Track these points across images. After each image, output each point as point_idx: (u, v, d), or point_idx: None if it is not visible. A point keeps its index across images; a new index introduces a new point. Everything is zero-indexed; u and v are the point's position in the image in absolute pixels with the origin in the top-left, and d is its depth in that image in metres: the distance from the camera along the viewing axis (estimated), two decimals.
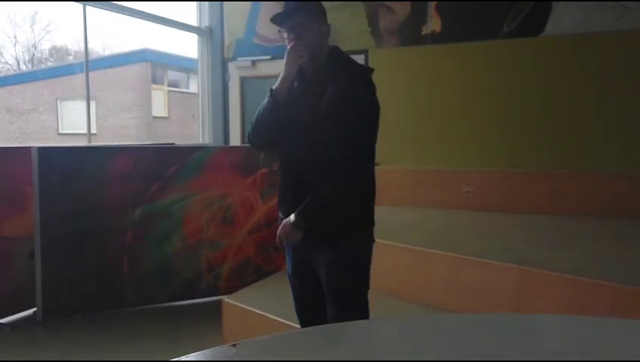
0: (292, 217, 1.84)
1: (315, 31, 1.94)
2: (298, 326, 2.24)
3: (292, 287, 2.09)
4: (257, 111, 1.94)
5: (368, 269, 2.01)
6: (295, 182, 1.93)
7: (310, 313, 2.06)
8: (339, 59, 1.99)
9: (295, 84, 1.96)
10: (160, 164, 3.76)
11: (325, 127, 1.83)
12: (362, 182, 1.94)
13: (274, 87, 1.91)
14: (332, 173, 1.84)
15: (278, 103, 1.89)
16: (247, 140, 2.05)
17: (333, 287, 1.95)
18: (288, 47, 1.91)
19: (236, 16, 5.81)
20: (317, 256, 1.95)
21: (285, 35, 1.96)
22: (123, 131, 15.18)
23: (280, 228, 1.89)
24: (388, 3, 5.13)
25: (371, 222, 2.01)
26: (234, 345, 1.05)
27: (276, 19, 2.00)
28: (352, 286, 1.98)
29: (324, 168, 1.85)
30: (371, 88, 1.93)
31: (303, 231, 1.85)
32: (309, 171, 1.89)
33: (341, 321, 1.73)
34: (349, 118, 1.83)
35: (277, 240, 1.91)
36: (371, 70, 2.01)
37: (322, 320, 1.96)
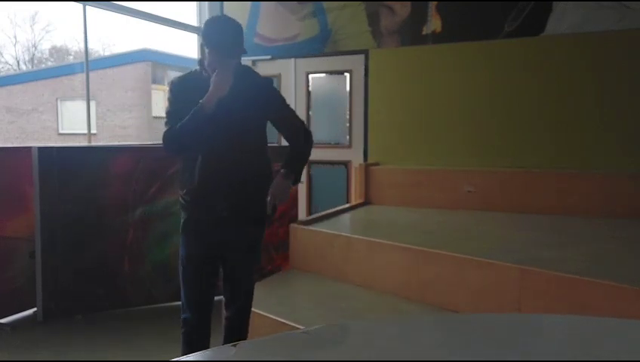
0: (282, 172, 2.21)
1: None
2: (298, 326, 2.24)
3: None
4: (180, 126, 2.10)
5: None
6: (228, 179, 2.21)
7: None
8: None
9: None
10: (160, 164, 3.76)
11: (245, 126, 2.18)
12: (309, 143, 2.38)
13: (203, 101, 2.08)
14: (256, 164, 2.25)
15: (199, 118, 2.08)
16: (165, 147, 2.21)
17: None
18: (220, 68, 2.09)
19: (236, 16, 5.73)
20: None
21: (215, 58, 2.13)
22: (123, 131, 15.19)
23: (274, 188, 2.19)
24: (388, 3, 5.13)
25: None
26: (234, 345, 1.05)
27: (225, 47, 2.18)
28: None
29: (251, 161, 2.23)
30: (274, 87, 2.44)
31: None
32: (239, 167, 2.20)
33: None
34: (286, 110, 2.33)
35: (270, 201, 2.18)
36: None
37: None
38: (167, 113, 2.19)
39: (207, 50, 2.14)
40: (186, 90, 2.21)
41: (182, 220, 2.47)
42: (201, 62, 2.22)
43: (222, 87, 2.09)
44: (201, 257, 2.39)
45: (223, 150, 2.17)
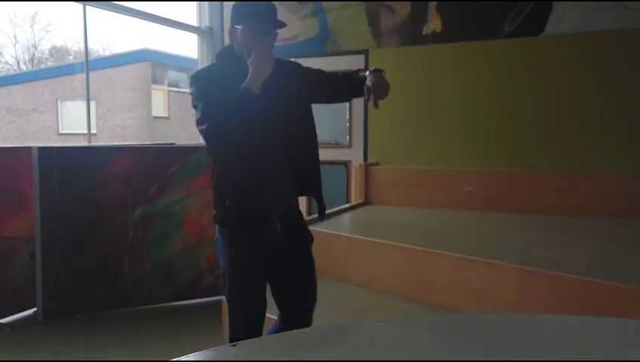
0: (370, 71, 1.96)
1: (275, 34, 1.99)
2: None
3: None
4: (226, 115, 1.80)
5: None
6: (269, 178, 1.95)
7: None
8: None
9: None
10: (160, 164, 3.76)
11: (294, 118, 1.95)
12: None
13: (246, 84, 1.80)
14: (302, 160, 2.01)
15: (247, 104, 1.80)
16: (212, 142, 1.91)
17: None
18: (258, 45, 1.83)
19: None
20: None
21: (251, 33, 1.88)
22: (123, 131, 15.19)
23: (373, 81, 1.91)
24: (388, 3, 5.13)
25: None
26: (234, 345, 1.05)
27: (263, 19, 1.93)
28: None
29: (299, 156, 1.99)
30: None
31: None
32: (282, 162, 1.96)
33: None
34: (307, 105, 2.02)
35: (370, 97, 1.92)
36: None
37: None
38: (201, 108, 1.84)
39: (239, 30, 1.89)
40: (211, 79, 1.92)
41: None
42: (221, 53, 2.02)
43: (264, 66, 1.81)
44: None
45: (276, 144, 1.93)
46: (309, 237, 2.09)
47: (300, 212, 2.13)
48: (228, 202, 1.96)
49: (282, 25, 1.92)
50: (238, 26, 1.91)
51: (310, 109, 2.04)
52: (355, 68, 2.15)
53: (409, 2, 5.03)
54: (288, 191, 2.02)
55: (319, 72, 2.11)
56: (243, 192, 1.94)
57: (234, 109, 1.79)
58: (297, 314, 2.10)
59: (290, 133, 1.94)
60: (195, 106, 1.88)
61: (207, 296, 3.89)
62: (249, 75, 1.81)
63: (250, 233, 1.96)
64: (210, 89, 1.87)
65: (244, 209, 1.95)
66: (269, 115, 1.86)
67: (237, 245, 1.98)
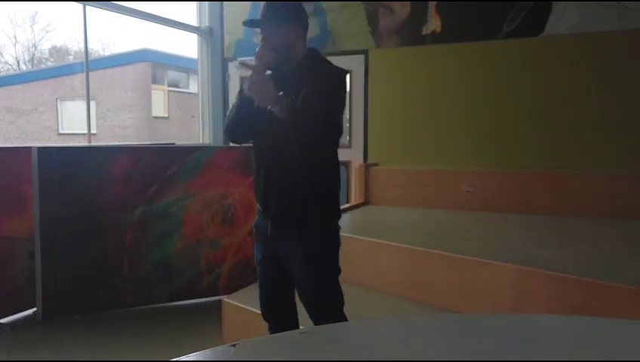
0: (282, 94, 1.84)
1: (285, 34, 1.97)
2: (298, 326, 2.23)
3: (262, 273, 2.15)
4: (230, 109, 2.09)
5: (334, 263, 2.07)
6: (266, 175, 2.01)
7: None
8: (315, 60, 2.03)
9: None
10: (160, 164, 3.76)
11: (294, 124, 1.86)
12: (325, 175, 2.02)
13: (243, 87, 1.94)
14: (299, 166, 1.95)
15: (244, 102, 1.95)
16: (224, 132, 2.17)
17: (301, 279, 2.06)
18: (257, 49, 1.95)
19: (236, 16, 5.80)
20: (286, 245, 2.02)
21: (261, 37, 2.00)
22: (123, 131, 15.18)
23: (255, 77, 1.82)
24: (388, 3, 5.13)
25: (335, 218, 2.07)
26: (234, 345, 1.05)
27: (250, 23, 2.13)
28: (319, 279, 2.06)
29: (292, 162, 1.95)
30: (338, 86, 1.98)
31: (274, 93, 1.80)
32: (278, 165, 1.98)
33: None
34: (318, 112, 1.84)
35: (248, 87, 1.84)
36: (346, 71, 2.06)
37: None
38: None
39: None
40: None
41: None
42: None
43: (261, 64, 1.88)
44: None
45: (266, 141, 1.99)
46: (308, 249, 1.98)
47: (308, 221, 2.00)
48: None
49: (257, 24, 2.00)
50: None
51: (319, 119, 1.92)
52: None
53: (409, 2, 5.04)
54: (279, 194, 2.00)
55: (318, 83, 1.92)
56: (254, 188, 2.12)
57: (231, 109, 2.04)
58: (309, 313, 2.11)
59: (284, 137, 1.90)
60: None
61: (206, 296, 3.89)
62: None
63: (257, 227, 2.11)
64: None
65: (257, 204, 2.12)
66: (261, 113, 1.88)
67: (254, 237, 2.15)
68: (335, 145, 2.04)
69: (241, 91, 2.01)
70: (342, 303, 2.09)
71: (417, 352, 1.05)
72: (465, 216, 4.34)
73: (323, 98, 1.87)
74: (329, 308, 2.07)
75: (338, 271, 2.08)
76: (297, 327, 2.17)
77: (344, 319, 2.06)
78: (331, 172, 2.05)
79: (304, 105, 1.84)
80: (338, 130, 2.00)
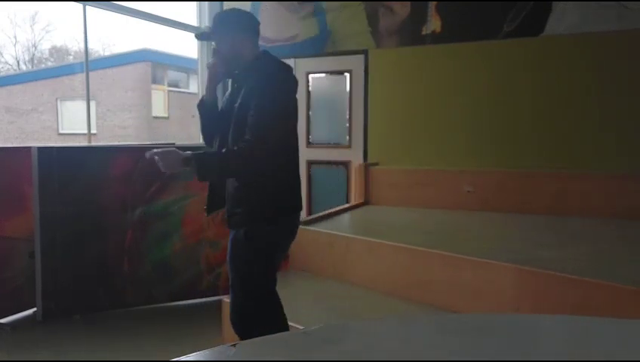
0: (186, 152, 1.99)
1: (230, 42, 2.12)
2: (298, 326, 2.24)
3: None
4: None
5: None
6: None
7: None
8: (263, 63, 2.14)
9: (228, 92, 2.24)
10: None
11: (235, 126, 2.06)
12: (266, 176, 2.07)
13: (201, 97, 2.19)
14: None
15: (200, 111, 2.20)
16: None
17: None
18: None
19: None
20: None
21: None
22: (123, 131, 15.19)
23: (163, 151, 1.97)
24: (388, 3, 5.13)
25: (276, 215, 2.14)
26: (234, 345, 1.05)
27: (200, 37, 2.38)
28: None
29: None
30: (274, 85, 2.07)
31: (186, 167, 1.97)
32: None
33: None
34: (253, 116, 1.99)
35: (148, 153, 1.98)
36: (283, 68, 2.15)
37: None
38: None
39: None
40: None
41: None
42: None
43: (207, 83, 2.16)
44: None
45: (218, 146, 2.20)
46: (240, 239, 2.13)
47: (248, 213, 2.13)
48: None
49: (208, 37, 2.23)
50: None
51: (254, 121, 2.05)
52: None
53: (409, 2, 5.04)
54: (221, 190, 2.22)
55: (252, 102, 2.04)
56: None
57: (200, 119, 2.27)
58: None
59: (225, 139, 2.13)
60: None
61: (206, 296, 3.89)
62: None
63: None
64: None
65: None
66: (212, 119, 2.20)
67: None
68: (282, 150, 2.10)
69: (199, 101, 2.20)
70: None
71: (417, 352, 1.05)
72: (465, 216, 4.34)
73: (253, 129, 1.98)
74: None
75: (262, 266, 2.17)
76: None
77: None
78: (271, 174, 2.10)
79: (226, 158, 2.01)
80: (279, 143, 2.07)
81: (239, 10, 2.20)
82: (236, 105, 2.08)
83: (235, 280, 2.18)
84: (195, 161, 1.95)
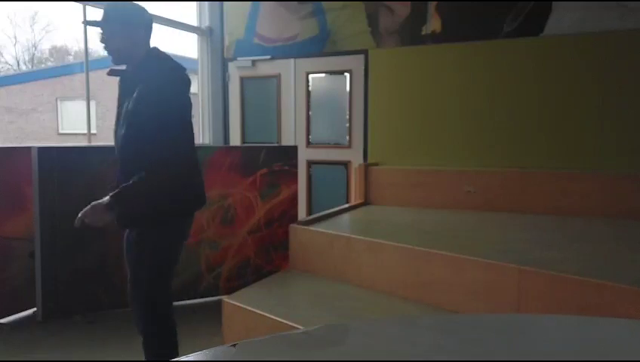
0: (105, 199, 2.02)
1: (120, 35, 2.07)
2: (298, 326, 2.23)
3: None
4: None
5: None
6: (117, 177, 2.24)
7: None
8: (153, 60, 2.10)
9: (118, 88, 2.21)
10: None
11: (128, 126, 2.10)
12: (160, 177, 2.07)
13: None
14: (134, 169, 2.07)
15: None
16: None
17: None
18: None
19: (236, 16, 5.81)
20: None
21: None
22: None
23: (89, 208, 2.03)
24: (388, 3, 5.13)
25: (172, 215, 2.21)
26: (234, 345, 1.05)
27: (89, 23, 2.24)
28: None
29: (129, 165, 2.14)
30: (164, 86, 2.03)
31: (114, 215, 2.06)
32: (121, 168, 2.23)
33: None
34: (142, 117, 2.02)
35: (76, 221, 2.03)
36: (173, 67, 2.10)
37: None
38: None
39: None
40: None
41: None
42: None
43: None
44: None
45: (117, 154, 2.27)
46: (137, 241, 2.26)
47: (143, 219, 2.23)
48: None
49: (95, 24, 2.12)
50: None
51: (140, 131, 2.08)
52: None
53: (409, 2, 5.04)
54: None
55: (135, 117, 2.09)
56: None
57: None
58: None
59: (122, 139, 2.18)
60: None
61: (206, 296, 3.89)
62: None
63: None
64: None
65: None
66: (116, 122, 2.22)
67: None
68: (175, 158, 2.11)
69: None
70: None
71: (418, 352, 1.05)
72: (465, 216, 4.34)
73: (159, 150, 1.99)
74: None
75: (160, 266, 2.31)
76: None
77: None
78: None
79: (141, 188, 2.04)
80: (184, 149, 2.10)
81: (133, 3, 2.16)
82: (125, 109, 2.09)
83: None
84: (117, 203, 2.03)
